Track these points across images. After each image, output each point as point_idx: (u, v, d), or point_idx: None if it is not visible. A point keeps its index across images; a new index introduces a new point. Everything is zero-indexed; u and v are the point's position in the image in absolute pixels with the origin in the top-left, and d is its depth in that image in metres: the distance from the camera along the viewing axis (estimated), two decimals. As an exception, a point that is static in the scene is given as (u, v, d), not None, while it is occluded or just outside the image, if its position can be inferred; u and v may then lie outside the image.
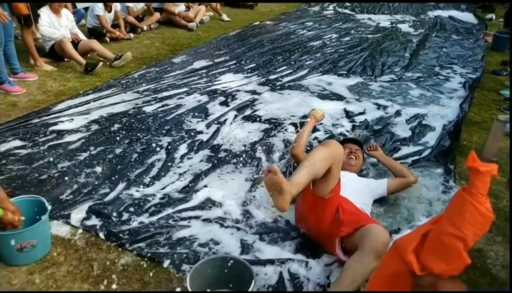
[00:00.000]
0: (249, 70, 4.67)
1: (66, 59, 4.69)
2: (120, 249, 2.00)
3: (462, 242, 0.71)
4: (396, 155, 2.93)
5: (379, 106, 3.76)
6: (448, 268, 0.71)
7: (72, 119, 3.33)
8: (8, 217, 1.79)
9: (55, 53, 4.62)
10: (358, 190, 2.16)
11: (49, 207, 1.97)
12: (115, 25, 5.76)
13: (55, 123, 3.24)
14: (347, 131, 3.27)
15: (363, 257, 1.64)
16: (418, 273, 0.74)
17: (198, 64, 4.85)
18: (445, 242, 0.69)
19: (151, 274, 1.86)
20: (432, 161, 2.84)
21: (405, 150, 3.01)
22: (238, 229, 2.15)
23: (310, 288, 1.79)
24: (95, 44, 4.78)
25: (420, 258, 0.73)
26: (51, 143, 2.95)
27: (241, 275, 1.63)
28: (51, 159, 2.74)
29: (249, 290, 1.51)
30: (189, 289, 1.53)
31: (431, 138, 3.19)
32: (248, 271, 1.61)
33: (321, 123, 3.36)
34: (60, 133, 3.09)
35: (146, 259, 1.94)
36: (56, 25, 4.56)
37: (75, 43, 4.72)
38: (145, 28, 6.21)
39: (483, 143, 3.11)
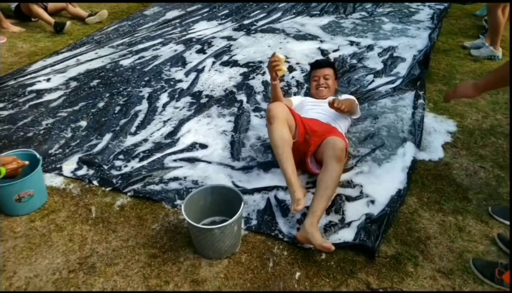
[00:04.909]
0: (223, 17, 4.62)
1: (33, 19, 4.53)
2: (115, 193, 2.11)
3: None
4: (370, 87, 3.05)
5: (352, 42, 3.82)
6: None
7: (50, 78, 3.31)
8: (12, 166, 1.86)
9: (22, 13, 4.45)
10: (325, 110, 2.29)
11: (40, 158, 2.04)
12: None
13: (33, 84, 3.22)
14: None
15: (327, 166, 1.92)
16: None
17: (171, 14, 4.76)
18: None
19: (147, 211, 1.99)
20: (403, 89, 2.98)
21: (378, 81, 3.12)
22: (226, 165, 2.28)
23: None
24: (67, 3, 4.61)
25: None
26: (31, 103, 2.96)
27: (231, 200, 1.76)
28: (34, 117, 2.77)
29: (239, 212, 1.66)
30: (186, 218, 1.65)
31: (402, 68, 3.31)
32: (237, 196, 1.74)
33: (298, 63, 3.44)
34: (40, 93, 3.09)
35: (141, 199, 2.06)
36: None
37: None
38: (111, -19, 5.95)
39: (450, 69, 3.28)
